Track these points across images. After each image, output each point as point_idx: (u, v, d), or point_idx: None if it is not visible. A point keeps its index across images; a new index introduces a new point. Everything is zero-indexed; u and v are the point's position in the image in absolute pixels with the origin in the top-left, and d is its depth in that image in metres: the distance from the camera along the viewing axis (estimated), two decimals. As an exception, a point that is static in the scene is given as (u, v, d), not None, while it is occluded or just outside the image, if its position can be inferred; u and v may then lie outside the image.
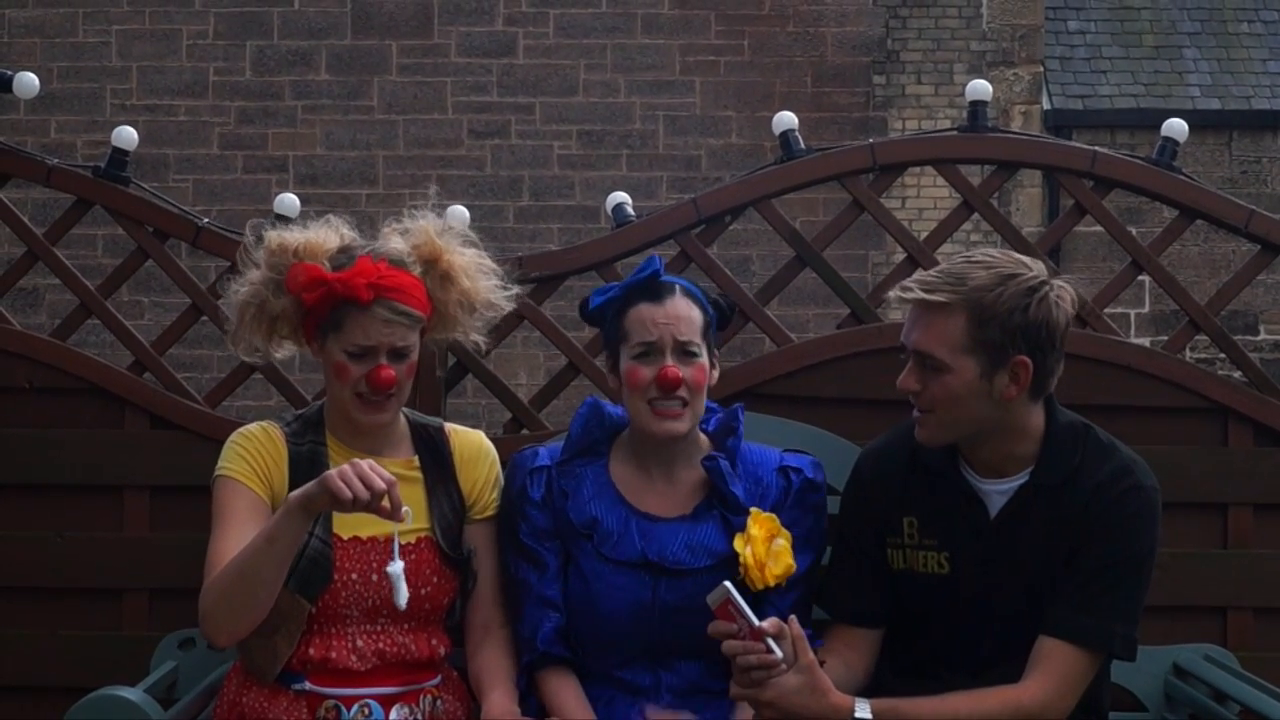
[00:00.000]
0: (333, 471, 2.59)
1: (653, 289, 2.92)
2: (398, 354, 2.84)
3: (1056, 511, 2.81)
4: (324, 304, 2.81)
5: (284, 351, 2.98)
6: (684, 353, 2.88)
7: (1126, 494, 2.81)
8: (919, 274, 2.92)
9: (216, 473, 2.86)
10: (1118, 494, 2.80)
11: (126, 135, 3.68)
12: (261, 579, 2.67)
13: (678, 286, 2.94)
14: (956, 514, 2.87)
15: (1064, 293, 2.78)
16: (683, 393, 2.87)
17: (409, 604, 2.76)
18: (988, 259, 2.81)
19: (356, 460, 2.62)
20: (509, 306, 3.04)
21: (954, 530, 2.87)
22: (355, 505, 2.56)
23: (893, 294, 2.89)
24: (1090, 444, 2.85)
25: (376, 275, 2.80)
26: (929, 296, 2.76)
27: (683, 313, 2.90)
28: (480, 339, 3.04)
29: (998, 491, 2.86)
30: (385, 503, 2.58)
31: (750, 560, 2.86)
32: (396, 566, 2.64)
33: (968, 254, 2.86)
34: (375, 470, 2.58)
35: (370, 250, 2.86)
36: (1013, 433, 2.83)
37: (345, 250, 2.87)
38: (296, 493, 2.65)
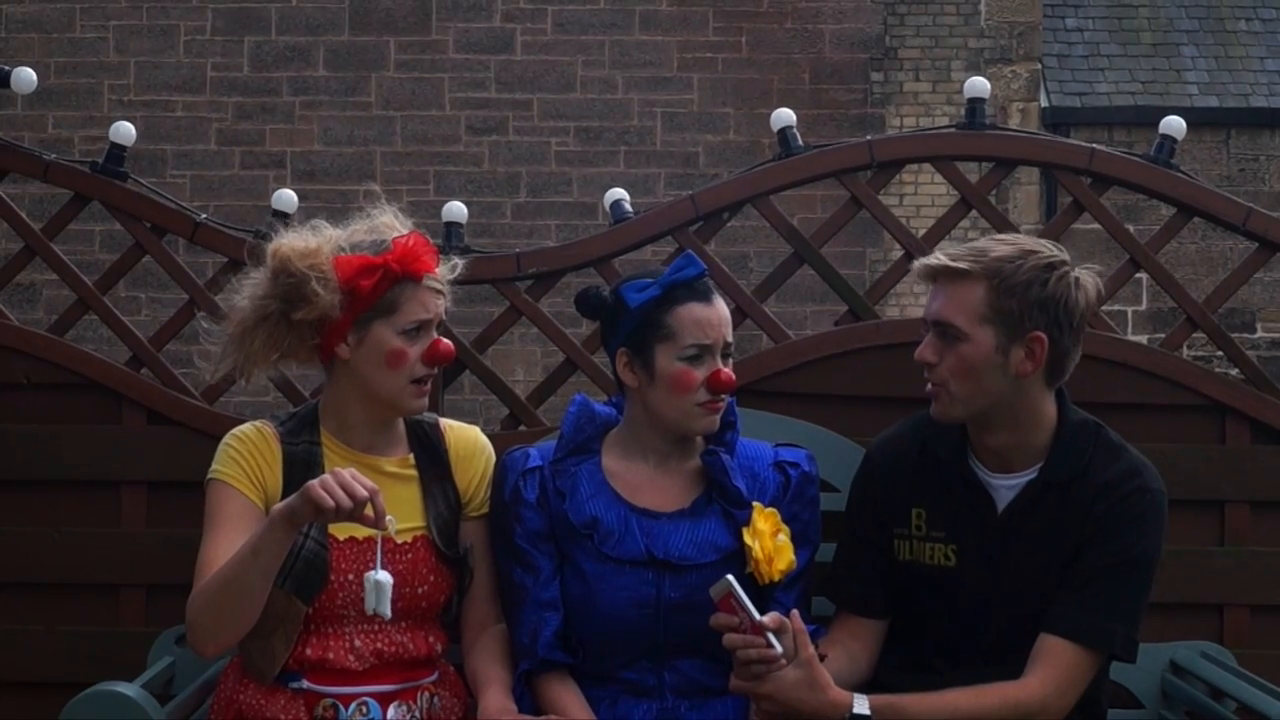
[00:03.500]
0: (315, 481, 2.57)
1: (700, 289, 2.89)
2: (442, 325, 2.87)
3: (1063, 509, 2.82)
4: (380, 286, 2.78)
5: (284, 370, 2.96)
6: (725, 354, 2.89)
7: (1133, 495, 2.81)
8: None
9: (209, 475, 2.84)
10: (1124, 495, 2.81)
11: (124, 131, 3.67)
12: (247, 590, 2.65)
13: (712, 283, 2.93)
14: (964, 507, 2.88)
15: (1086, 278, 2.80)
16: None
17: (407, 603, 2.77)
18: (1010, 237, 2.86)
19: (338, 469, 2.60)
20: None
21: (961, 523, 2.88)
22: (338, 514, 2.55)
23: (917, 263, 2.91)
24: (1100, 444, 2.86)
25: (425, 246, 2.81)
26: (952, 264, 2.79)
27: (725, 314, 2.91)
28: None
29: (1006, 486, 2.86)
30: (369, 511, 2.57)
31: (760, 554, 2.85)
32: (384, 575, 2.62)
33: (990, 235, 2.88)
34: (357, 479, 2.57)
35: (381, 238, 2.83)
36: (1024, 420, 2.83)
37: (371, 239, 2.83)
38: (280, 505, 2.63)
